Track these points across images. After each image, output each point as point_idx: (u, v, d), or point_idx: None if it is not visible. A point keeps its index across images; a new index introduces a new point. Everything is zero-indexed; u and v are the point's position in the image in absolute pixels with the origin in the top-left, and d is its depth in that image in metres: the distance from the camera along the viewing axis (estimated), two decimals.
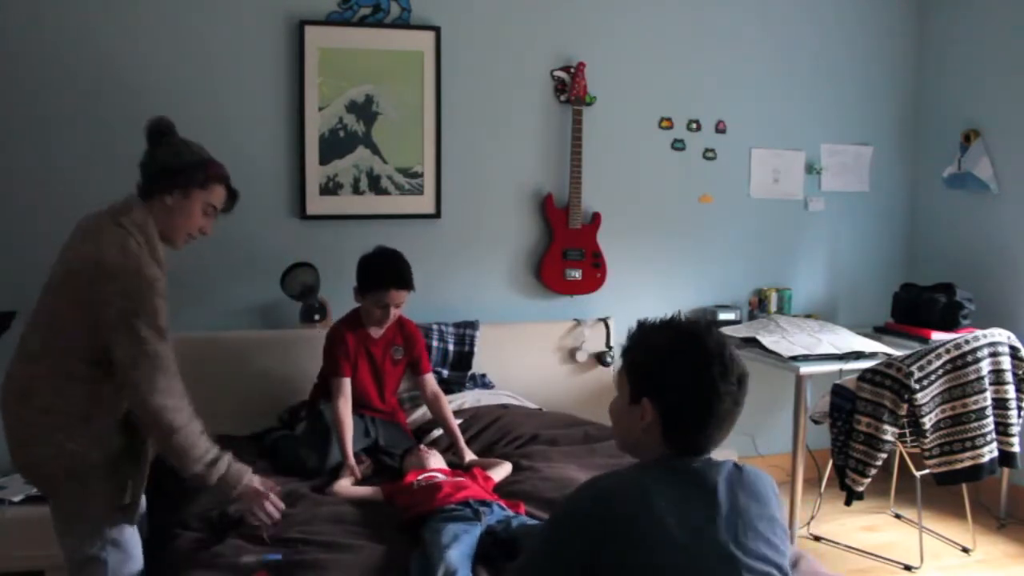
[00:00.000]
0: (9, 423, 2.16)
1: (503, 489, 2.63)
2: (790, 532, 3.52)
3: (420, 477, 2.56)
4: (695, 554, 1.45)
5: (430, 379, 3.06)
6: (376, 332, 2.98)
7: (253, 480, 2.24)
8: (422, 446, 2.89)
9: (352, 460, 2.75)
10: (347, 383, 2.88)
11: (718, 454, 1.57)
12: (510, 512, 2.34)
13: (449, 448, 2.98)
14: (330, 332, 2.99)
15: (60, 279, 2.15)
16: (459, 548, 2.09)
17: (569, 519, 1.53)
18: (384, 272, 2.87)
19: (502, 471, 2.76)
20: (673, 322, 1.60)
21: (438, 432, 3.12)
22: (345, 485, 2.65)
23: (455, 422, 3.02)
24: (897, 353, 3.40)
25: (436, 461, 2.71)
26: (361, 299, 2.92)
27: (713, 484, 1.50)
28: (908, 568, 3.37)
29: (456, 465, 2.81)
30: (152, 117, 2.29)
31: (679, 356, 1.53)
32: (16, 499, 2.86)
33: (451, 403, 3.16)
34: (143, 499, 2.48)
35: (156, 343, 2.07)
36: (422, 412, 3.23)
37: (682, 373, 1.52)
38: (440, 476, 2.57)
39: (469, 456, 2.90)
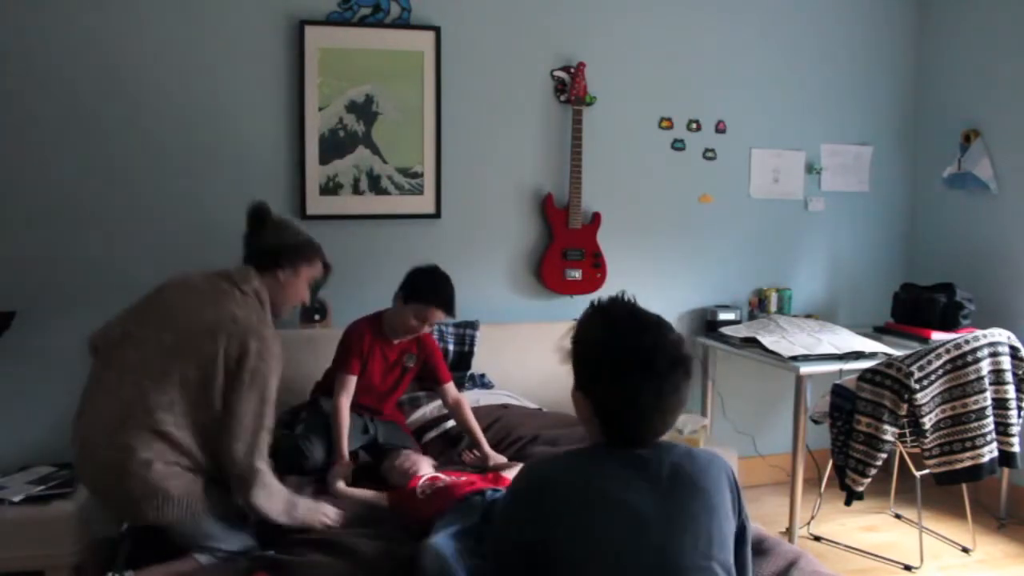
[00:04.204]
0: (134, 483, 2.18)
1: None
2: (790, 532, 3.52)
3: (422, 483, 2.54)
4: (632, 542, 1.44)
5: (451, 387, 3.04)
6: (395, 338, 2.96)
7: (310, 506, 2.38)
8: (404, 452, 2.83)
9: (346, 455, 2.74)
10: (352, 380, 2.86)
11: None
12: None
13: (472, 450, 2.98)
14: (349, 328, 2.96)
15: (183, 339, 2.22)
16: (449, 534, 2.11)
17: (511, 506, 1.56)
18: (437, 291, 2.86)
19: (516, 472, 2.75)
20: (602, 311, 1.56)
21: (433, 433, 3.12)
22: (348, 487, 2.63)
23: (478, 427, 2.99)
24: (897, 353, 3.40)
25: (426, 466, 2.69)
26: (402, 305, 2.89)
27: (656, 472, 1.48)
28: (908, 568, 3.37)
29: (479, 468, 2.81)
30: (253, 201, 2.47)
31: (595, 350, 1.51)
32: (16, 499, 2.85)
33: None
34: None
35: (271, 413, 2.25)
36: (421, 413, 3.23)
37: (598, 368, 1.50)
38: (444, 478, 2.56)
39: (495, 459, 2.89)
